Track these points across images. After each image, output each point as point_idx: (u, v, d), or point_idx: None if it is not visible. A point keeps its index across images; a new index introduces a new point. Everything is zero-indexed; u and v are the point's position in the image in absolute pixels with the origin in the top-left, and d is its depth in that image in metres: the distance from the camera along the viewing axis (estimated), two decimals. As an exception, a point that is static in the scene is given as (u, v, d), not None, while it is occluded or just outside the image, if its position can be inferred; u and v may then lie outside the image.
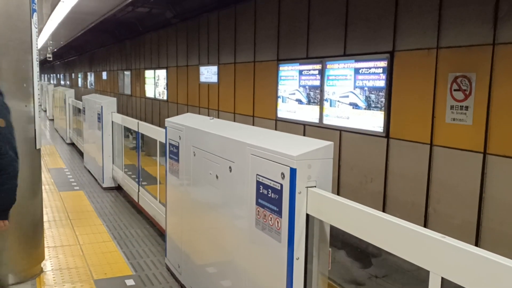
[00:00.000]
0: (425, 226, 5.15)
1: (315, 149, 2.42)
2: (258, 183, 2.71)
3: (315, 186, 2.41)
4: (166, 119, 4.47)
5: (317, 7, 6.94)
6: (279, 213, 2.49)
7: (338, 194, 6.30)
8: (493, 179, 4.50)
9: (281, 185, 2.47)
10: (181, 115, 4.73)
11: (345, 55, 6.36)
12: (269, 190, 2.59)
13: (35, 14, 4.17)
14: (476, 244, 4.64)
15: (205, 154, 3.55)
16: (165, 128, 4.47)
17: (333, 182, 2.51)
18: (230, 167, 3.12)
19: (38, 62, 4.24)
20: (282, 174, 2.45)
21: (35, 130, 4.18)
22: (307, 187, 2.40)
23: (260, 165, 2.70)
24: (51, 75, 50.46)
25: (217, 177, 3.34)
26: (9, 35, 3.93)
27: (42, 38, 18.69)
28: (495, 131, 4.46)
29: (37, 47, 4.21)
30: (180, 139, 4.09)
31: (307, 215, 2.42)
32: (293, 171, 2.38)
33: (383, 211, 5.67)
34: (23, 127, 4.09)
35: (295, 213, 2.39)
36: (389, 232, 1.90)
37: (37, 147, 4.23)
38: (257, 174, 2.73)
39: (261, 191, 2.68)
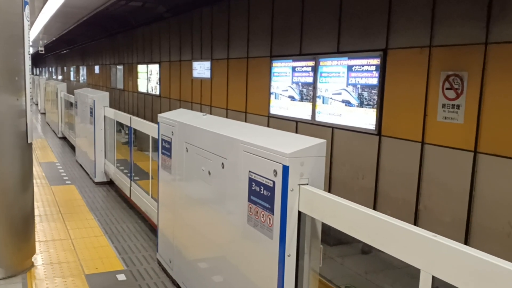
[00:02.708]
0: (415, 223, 5.18)
1: (308, 147, 2.43)
2: (251, 180, 2.72)
3: (307, 184, 2.42)
4: (159, 115, 4.46)
5: (311, 3, 6.94)
6: (271, 210, 2.50)
7: (329, 190, 6.32)
8: (483, 177, 4.54)
9: (274, 182, 2.47)
10: (174, 110, 4.72)
11: (338, 52, 6.37)
12: (262, 187, 2.59)
13: (27, 7, 4.14)
14: (466, 241, 4.68)
15: (198, 150, 3.55)
16: (158, 123, 4.47)
17: (324, 179, 2.52)
18: (222, 164, 3.12)
19: (30, 56, 4.22)
20: (275, 171, 2.46)
21: (26, 124, 4.15)
22: (299, 184, 2.41)
23: (252, 162, 2.70)
24: (43, 68, 50.07)
25: (209, 173, 3.35)
26: (1, 27, 3.90)
27: (33, 31, 18.54)
28: (486, 130, 4.49)
29: (29, 40, 4.18)
30: (173, 134, 4.08)
31: (299, 213, 2.43)
32: (285, 169, 2.39)
33: (374, 207, 5.70)
34: (14, 121, 4.07)
35: (287, 210, 2.40)
36: (381, 230, 1.91)
37: (29, 141, 4.21)
38: (249, 171, 2.73)
39: (253, 188, 2.69)
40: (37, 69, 52.26)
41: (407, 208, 5.31)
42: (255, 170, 2.67)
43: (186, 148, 3.78)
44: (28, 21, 4.15)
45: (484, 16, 4.46)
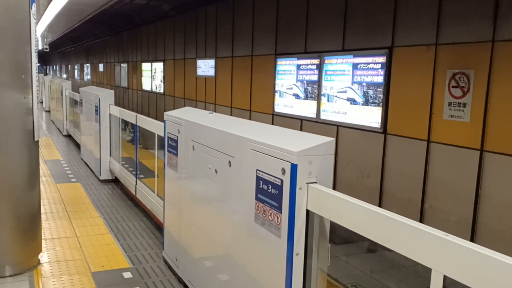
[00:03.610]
0: (421, 222, 5.16)
1: (317, 145, 2.42)
2: (258, 178, 2.71)
3: (315, 182, 2.42)
4: (165, 113, 4.46)
5: (316, 1, 6.92)
6: (279, 208, 2.50)
7: (334, 189, 6.30)
8: (489, 176, 4.52)
9: (282, 181, 2.47)
10: (180, 108, 4.72)
11: (344, 50, 6.35)
12: (269, 185, 2.59)
13: (34, 5, 4.14)
14: (472, 241, 4.66)
15: (205, 149, 3.55)
16: (164, 121, 4.47)
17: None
18: (229, 162, 3.12)
19: (36, 53, 4.22)
20: (283, 169, 2.45)
21: (33, 122, 4.16)
22: (307, 183, 2.41)
23: (260, 160, 2.70)
24: (47, 66, 50.17)
25: (216, 171, 3.34)
26: (8, 25, 3.91)
27: (38, 29, 18.57)
28: (492, 128, 4.47)
29: (36, 38, 4.18)
30: (179, 133, 4.08)
31: (307, 211, 2.43)
32: (294, 167, 2.38)
33: (379, 206, 5.68)
34: (21, 118, 4.08)
35: (295, 209, 2.40)
36: (392, 229, 1.91)
37: (35, 139, 4.22)
38: (257, 169, 2.73)
39: (261, 186, 2.69)
40: (42, 67, 52.34)
41: (413, 207, 5.29)
42: (263, 169, 2.66)
43: (193, 146, 3.78)
44: (34, 18, 4.15)
45: (491, 13, 4.43)
